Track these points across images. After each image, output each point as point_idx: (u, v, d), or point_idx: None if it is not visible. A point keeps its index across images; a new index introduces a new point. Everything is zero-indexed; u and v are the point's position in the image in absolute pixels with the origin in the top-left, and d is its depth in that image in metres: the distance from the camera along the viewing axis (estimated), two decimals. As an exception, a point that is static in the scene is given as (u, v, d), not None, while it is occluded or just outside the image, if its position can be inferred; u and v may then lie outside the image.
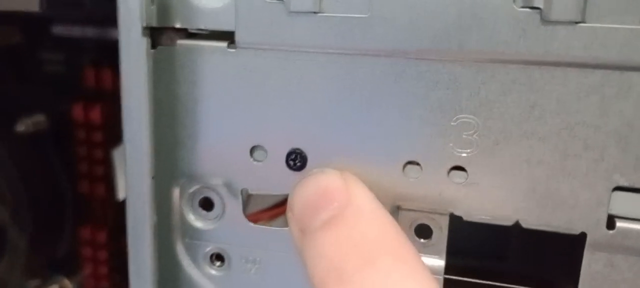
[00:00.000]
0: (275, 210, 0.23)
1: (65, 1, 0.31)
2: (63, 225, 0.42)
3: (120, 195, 0.40)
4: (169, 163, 0.20)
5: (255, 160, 0.19)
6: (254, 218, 0.21)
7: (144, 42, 0.18)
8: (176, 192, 0.21)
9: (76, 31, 0.41)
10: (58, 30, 0.40)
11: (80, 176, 0.41)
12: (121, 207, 0.44)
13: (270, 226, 0.21)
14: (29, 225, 0.39)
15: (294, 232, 0.18)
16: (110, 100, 0.40)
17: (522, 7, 0.16)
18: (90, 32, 0.40)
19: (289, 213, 0.19)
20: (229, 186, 0.20)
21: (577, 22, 0.16)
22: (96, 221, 0.41)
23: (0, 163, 0.38)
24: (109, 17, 0.40)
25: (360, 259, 0.16)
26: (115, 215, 0.42)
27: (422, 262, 0.16)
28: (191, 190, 0.20)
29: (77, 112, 0.39)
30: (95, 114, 0.39)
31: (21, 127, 0.38)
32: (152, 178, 0.19)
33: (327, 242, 0.17)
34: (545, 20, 0.16)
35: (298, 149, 0.19)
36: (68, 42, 0.41)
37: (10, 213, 0.39)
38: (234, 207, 0.20)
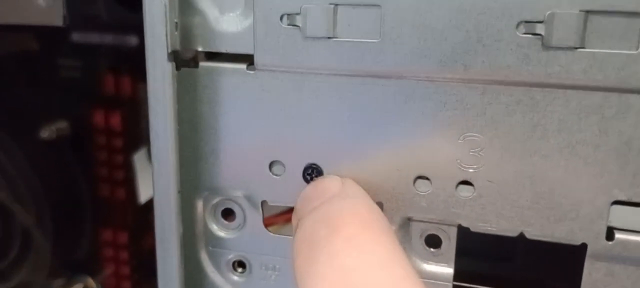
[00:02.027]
0: (288, 214, 0.25)
1: (86, 15, 0.33)
2: (85, 228, 0.44)
3: (142, 198, 0.42)
4: (193, 177, 0.22)
5: (274, 174, 0.21)
6: (269, 221, 0.23)
7: (169, 67, 0.20)
8: (200, 204, 0.22)
9: (95, 38, 0.43)
10: (78, 38, 0.42)
11: (102, 180, 0.43)
12: (141, 209, 0.46)
13: (283, 230, 0.23)
14: (53, 228, 0.42)
15: (294, 227, 0.20)
16: (129, 106, 0.42)
17: (525, 33, 0.18)
18: (108, 39, 0.42)
19: (293, 215, 0.20)
20: (249, 198, 0.22)
21: (576, 48, 0.17)
22: (117, 223, 0.44)
23: (24, 169, 0.41)
24: (127, 27, 0.42)
25: (329, 228, 0.17)
26: (135, 218, 0.44)
27: (390, 231, 0.18)
28: (214, 202, 0.22)
29: (98, 118, 0.42)
30: (116, 120, 0.41)
31: (45, 133, 0.40)
32: (178, 192, 0.21)
33: (308, 221, 0.19)
34: (547, 46, 0.17)
35: (314, 164, 0.21)
36: (88, 50, 0.43)
37: (35, 216, 0.41)
38: (254, 218, 0.22)
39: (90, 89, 0.43)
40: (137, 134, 0.43)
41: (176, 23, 0.20)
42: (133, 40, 0.42)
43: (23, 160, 0.41)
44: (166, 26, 0.19)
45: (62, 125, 0.42)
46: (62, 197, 0.42)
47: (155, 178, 0.21)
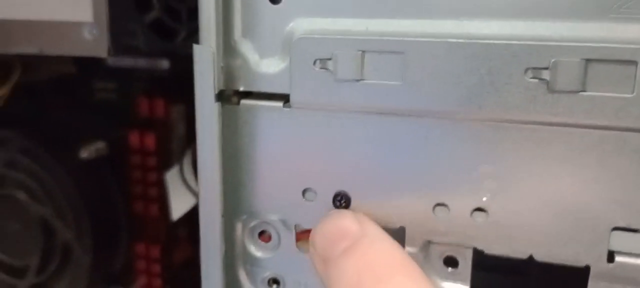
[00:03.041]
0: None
1: (127, 46, 0.36)
2: (120, 242, 0.47)
3: (174, 215, 0.45)
4: (234, 203, 0.25)
5: (306, 200, 0.24)
6: (298, 237, 0.26)
7: (216, 106, 0.23)
8: (239, 226, 0.25)
9: (133, 66, 0.46)
10: (118, 65, 0.46)
11: (136, 197, 0.46)
12: (173, 225, 0.49)
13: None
14: (91, 243, 0.45)
15: (317, 263, 0.23)
16: (162, 127, 0.45)
17: (532, 77, 0.20)
18: (145, 66, 0.45)
19: (311, 249, 0.23)
20: (284, 222, 0.25)
21: (578, 91, 0.20)
22: (150, 238, 0.47)
23: (65, 187, 0.44)
24: (163, 55, 0.45)
25: (375, 278, 0.20)
26: (167, 233, 0.47)
27: (428, 280, 0.20)
28: (252, 225, 0.25)
29: (133, 139, 0.45)
30: (150, 141, 0.45)
31: (85, 153, 0.44)
32: (222, 216, 0.24)
33: (346, 265, 0.21)
34: (552, 90, 0.20)
35: (343, 191, 0.23)
36: (125, 77, 0.47)
37: (75, 232, 0.45)
38: (289, 239, 0.25)
39: (126, 111, 0.46)
40: (168, 154, 0.46)
41: (222, 67, 0.23)
42: (167, 66, 0.46)
43: (65, 179, 0.44)
44: (214, 70, 0.22)
45: (100, 145, 0.45)
46: (99, 213, 0.45)
47: (202, 204, 0.24)
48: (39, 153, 0.44)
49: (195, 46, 0.22)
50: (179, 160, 0.46)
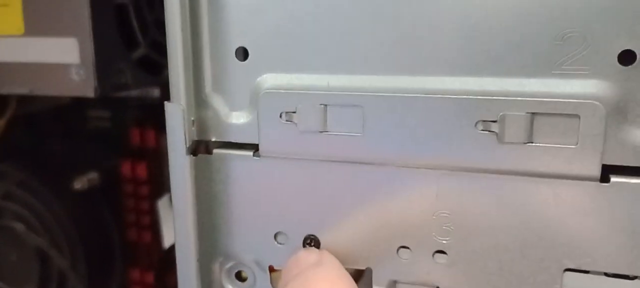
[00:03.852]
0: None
1: (115, 84, 0.38)
2: (114, 269, 0.49)
3: (166, 243, 0.47)
4: (210, 246, 0.26)
5: (278, 243, 0.25)
6: (271, 271, 0.27)
7: (188, 159, 0.24)
8: (216, 267, 0.27)
9: (122, 101, 0.48)
10: (106, 102, 0.47)
11: (129, 225, 0.48)
12: (166, 252, 0.51)
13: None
14: (86, 270, 0.47)
15: None
16: (153, 157, 0.47)
17: (482, 130, 0.21)
18: (134, 101, 0.47)
19: (280, 281, 0.25)
20: (258, 263, 0.26)
21: (525, 143, 0.21)
22: (144, 264, 0.48)
23: (59, 218, 0.46)
24: (151, 88, 0.46)
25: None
26: (160, 259, 0.48)
27: None
28: (228, 266, 0.27)
29: (126, 168, 0.47)
30: (142, 170, 0.46)
31: (78, 184, 0.45)
32: (198, 260, 0.25)
33: (292, 285, 0.23)
34: (501, 141, 0.21)
35: (312, 235, 0.25)
36: (115, 110, 0.49)
37: (69, 261, 0.46)
38: (263, 279, 0.26)
39: (118, 143, 0.48)
40: (160, 182, 0.48)
41: (193, 120, 0.24)
42: (155, 99, 0.47)
43: (59, 209, 0.46)
44: (184, 126, 0.24)
45: (93, 176, 0.46)
46: (93, 241, 0.47)
47: (178, 249, 0.26)
48: (34, 186, 0.46)
49: (166, 103, 0.24)
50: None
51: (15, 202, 0.46)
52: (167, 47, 0.23)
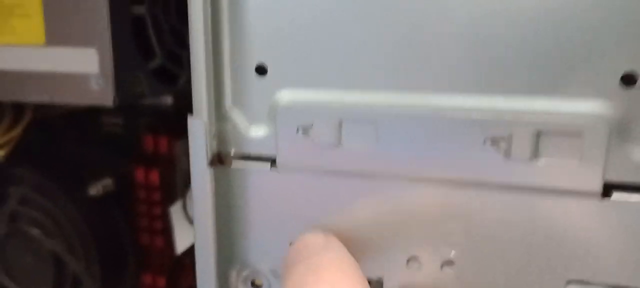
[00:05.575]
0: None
1: (132, 93, 0.40)
2: (127, 272, 0.51)
3: (178, 249, 0.48)
4: (228, 254, 0.28)
5: (293, 251, 0.27)
6: None
7: (209, 171, 0.26)
8: (233, 274, 0.28)
9: (138, 109, 0.49)
10: (123, 110, 0.49)
11: (142, 230, 0.50)
12: (178, 257, 0.52)
13: None
14: (100, 274, 0.48)
15: (281, 275, 0.25)
16: (166, 164, 0.49)
17: (491, 145, 0.23)
18: (149, 109, 0.49)
19: (282, 265, 0.25)
20: (273, 271, 0.27)
21: (532, 159, 0.22)
22: (156, 269, 0.50)
23: (75, 223, 0.47)
24: (166, 97, 0.48)
25: (315, 275, 0.22)
26: (172, 264, 0.50)
27: (364, 281, 0.23)
28: (244, 274, 0.28)
29: (139, 174, 0.48)
30: (154, 177, 0.48)
31: (93, 190, 0.47)
32: (216, 266, 0.27)
33: (300, 268, 0.23)
34: (507, 157, 0.23)
35: (326, 244, 0.26)
36: (131, 118, 0.50)
37: (84, 264, 0.48)
38: (278, 287, 0.28)
39: (131, 149, 0.50)
40: (172, 189, 0.49)
41: (214, 134, 0.26)
42: (168, 106, 0.49)
43: (74, 214, 0.47)
44: (206, 139, 0.25)
45: (108, 182, 0.48)
46: (107, 246, 0.49)
47: (197, 256, 0.27)
48: (50, 190, 0.48)
49: (189, 118, 0.25)
50: (183, 195, 0.49)
51: (31, 206, 0.48)
52: (191, 65, 0.25)
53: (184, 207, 0.49)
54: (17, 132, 0.48)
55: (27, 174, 0.48)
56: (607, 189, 0.22)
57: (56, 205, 0.47)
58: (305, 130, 0.25)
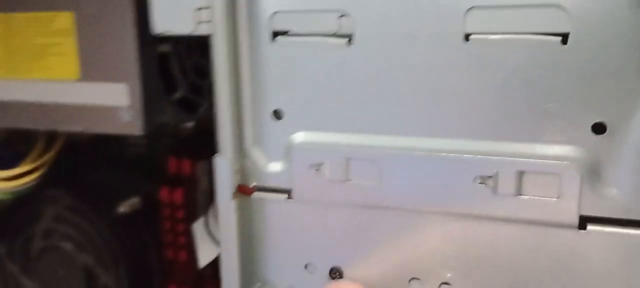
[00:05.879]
0: None
1: (157, 122, 0.43)
2: (153, 284, 0.54)
3: (201, 263, 0.52)
4: (250, 273, 0.31)
5: (308, 272, 0.30)
6: None
7: (232, 203, 0.29)
8: (255, 292, 0.32)
9: (163, 135, 0.53)
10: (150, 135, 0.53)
11: (167, 245, 0.53)
12: (200, 270, 0.56)
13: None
14: (128, 285, 0.52)
15: None
16: (188, 183, 0.52)
17: (480, 183, 0.26)
18: (173, 135, 0.52)
19: None
20: (290, 288, 0.31)
21: (516, 195, 0.26)
22: (180, 281, 0.54)
23: (105, 238, 0.51)
24: (188, 123, 0.51)
25: None
26: (195, 277, 0.54)
27: None
28: (264, 291, 0.32)
29: (164, 194, 0.52)
30: (178, 196, 0.52)
31: (121, 208, 0.51)
32: (240, 285, 0.31)
33: None
34: (495, 193, 0.26)
35: (337, 266, 0.30)
36: (156, 143, 0.54)
37: (113, 277, 0.52)
38: (295, 304, 0.31)
39: (156, 171, 0.53)
40: (194, 207, 0.53)
41: (237, 169, 0.29)
42: (189, 130, 0.52)
43: (105, 231, 0.51)
44: (230, 175, 0.29)
45: (135, 201, 0.52)
46: (134, 260, 0.52)
47: (223, 274, 0.31)
48: (82, 209, 0.51)
49: (216, 157, 0.29)
50: (205, 212, 0.53)
51: (64, 223, 0.52)
52: (216, 111, 0.29)
53: (206, 224, 0.52)
54: (50, 156, 0.52)
55: (60, 194, 0.52)
56: (583, 222, 0.25)
57: (87, 222, 0.51)
58: (317, 167, 0.29)
